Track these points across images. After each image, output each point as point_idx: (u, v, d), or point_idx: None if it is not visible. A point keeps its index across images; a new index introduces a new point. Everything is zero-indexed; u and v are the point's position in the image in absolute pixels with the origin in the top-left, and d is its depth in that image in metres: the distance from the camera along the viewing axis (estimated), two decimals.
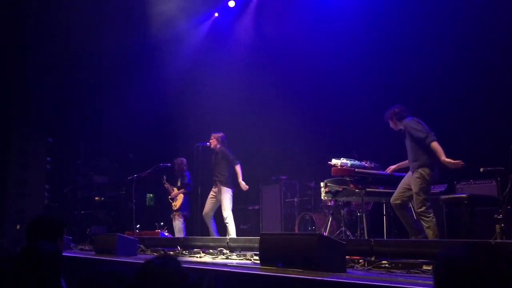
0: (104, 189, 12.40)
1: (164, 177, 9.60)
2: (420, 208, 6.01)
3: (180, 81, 11.65)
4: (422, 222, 6.02)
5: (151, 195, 12.46)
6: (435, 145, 6.10)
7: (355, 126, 9.20)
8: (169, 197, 9.70)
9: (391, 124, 6.54)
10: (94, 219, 11.86)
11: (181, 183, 9.64)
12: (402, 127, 6.48)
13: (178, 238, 7.98)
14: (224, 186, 8.40)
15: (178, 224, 9.43)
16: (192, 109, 11.43)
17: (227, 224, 8.24)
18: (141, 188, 10.81)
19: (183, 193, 9.55)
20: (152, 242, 7.93)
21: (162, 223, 10.50)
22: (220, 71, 11.06)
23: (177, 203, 9.55)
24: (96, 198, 12.17)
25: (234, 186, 8.47)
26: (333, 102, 9.76)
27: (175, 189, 9.74)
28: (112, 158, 12.61)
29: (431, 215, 5.99)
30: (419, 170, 6.13)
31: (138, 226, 10.22)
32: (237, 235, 8.45)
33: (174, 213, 9.55)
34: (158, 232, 9.78)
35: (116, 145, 12.48)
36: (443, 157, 6.02)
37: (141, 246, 7.37)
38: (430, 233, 5.88)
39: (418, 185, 6.09)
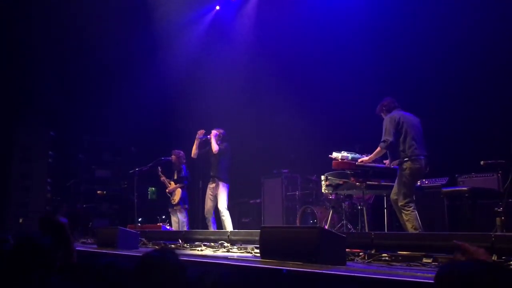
0: (107, 183, 12.41)
1: (159, 168, 9.39)
2: (401, 201, 6.09)
3: (182, 74, 11.59)
4: (403, 215, 6.11)
5: (153, 188, 12.34)
6: (377, 150, 6.34)
7: (356, 119, 9.08)
8: (167, 191, 9.48)
9: (383, 117, 6.55)
10: (96, 213, 11.91)
11: (177, 176, 9.44)
12: None
13: (180, 232, 7.99)
14: (220, 181, 8.32)
15: (180, 218, 9.26)
16: (194, 103, 11.38)
17: (223, 218, 8.18)
18: (143, 182, 10.58)
19: (181, 187, 9.31)
20: (153, 236, 7.93)
21: (163, 217, 10.51)
22: (222, 65, 11.00)
23: (175, 198, 9.32)
24: (99, 191, 12.18)
25: (231, 182, 8.46)
26: (334, 95, 9.66)
27: (172, 183, 9.50)
28: (115, 151, 12.58)
29: (411, 208, 6.05)
30: (400, 165, 6.25)
31: (140, 219, 10.25)
32: (238, 229, 8.50)
33: (174, 208, 9.35)
34: (160, 225, 9.85)
35: (118, 139, 12.47)
36: (366, 159, 6.39)
37: (143, 239, 7.37)
38: (409, 226, 5.95)
39: (399, 179, 6.20)
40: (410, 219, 5.96)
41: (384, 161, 6.79)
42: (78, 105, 11.43)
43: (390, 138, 6.16)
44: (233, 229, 8.05)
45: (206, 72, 11.35)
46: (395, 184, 6.26)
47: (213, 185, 8.40)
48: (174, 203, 9.29)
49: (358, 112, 8.94)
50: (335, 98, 9.58)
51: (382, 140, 6.25)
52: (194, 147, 8.45)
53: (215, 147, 8.20)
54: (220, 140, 8.47)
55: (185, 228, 8.94)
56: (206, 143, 8.58)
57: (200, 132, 8.48)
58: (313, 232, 4.31)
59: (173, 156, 9.35)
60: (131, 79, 11.47)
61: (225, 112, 10.63)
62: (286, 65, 10.43)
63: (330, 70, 9.57)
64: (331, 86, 9.68)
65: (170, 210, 9.48)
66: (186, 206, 9.24)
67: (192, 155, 8.55)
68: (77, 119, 11.72)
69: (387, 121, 6.30)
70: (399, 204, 6.08)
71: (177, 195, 9.28)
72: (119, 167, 12.29)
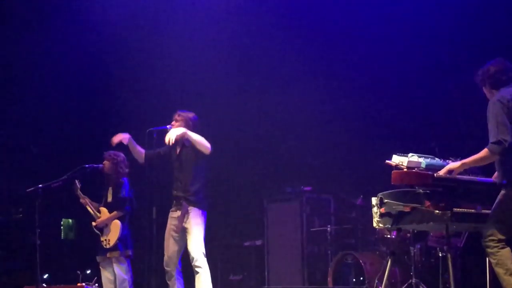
0: None
1: (77, 182, 7.89)
2: (484, 236, 5.35)
3: (124, 27, 9.75)
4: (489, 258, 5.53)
5: (70, 221, 10.75)
6: (483, 153, 5.23)
7: (433, 101, 8.21)
8: (94, 224, 7.94)
9: (485, 92, 5.51)
10: None
11: (113, 198, 7.88)
12: None
13: None
14: (193, 205, 6.78)
15: (117, 273, 7.62)
16: (143, 74, 9.91)
17: (197, 271, 6.63)
18: (52, 209, 9.28)
19: (119, 218, 7.74)
20: None
21: (88, 271, 8.82)
22: (194, 13, 9.55)
23: (110, 237, 7.74)
24: None
25: (209, 206, 7.01)
26: (391, 61, 8.45)
27: (103, 209, 7.89)
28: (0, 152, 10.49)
29: (498, 246, 5.19)
30: (502, 188, 5.29)
31: (46, 276, 9.11)
32: None
33: (106, 255, 7.75)
34: (82, 287, 8.00)
35: (5, 131, 10.27)
36: (456, 166, 5.36)
37: None
38: (500, 272, 5.03)
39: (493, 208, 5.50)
40: (500, 260, 5.18)
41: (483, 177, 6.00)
42: None
43: (509, 137, 5.17)
44: None
45: (166, 23, 9.78)
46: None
47: (178, 213, 6.92)
48: (107, 246, 7.76)
49: (434, 87, 8.17)
50: (394, 64, 8.51)
51: (493, 140, 5.17)
52: (132, 146, 7.18)
53: (205, 144, 6.74)
54: (191, 131, 6.88)
55: None
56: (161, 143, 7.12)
57: (120, 138, 7.16)
58: None
59: (105, 163, 7.88)
60: (36, 32, 9.78)
61: (198, 92, 9.45)
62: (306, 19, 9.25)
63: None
64: (385, 43, 8.60)
65: (99, 259, 7.82)
66: (129, 252, 7.77)
67: (138, 158, 7.22)
68: None
69: (495, 107, 5.24)
70: (483, 240, 5.35)
71: (113, 232, 7.76)
72: (7, 182, 10.38)
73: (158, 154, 7.09)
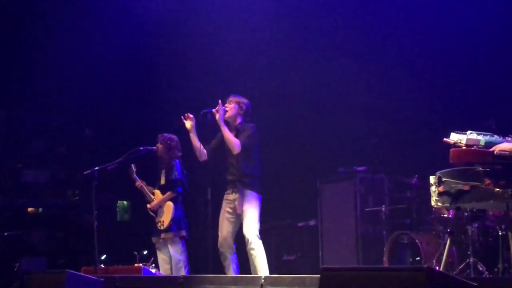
0: (42, 193, 10.58)
1: (132, 166, 8.04)
2: None
3: (173, 12, 9.95)
4: None
5: (125, 203, 10.98)
6: None
7: (488, 78, 8.04)
8: (148, 207, 8.00)
9: None
10: (25, 246, 10.09)
11: (166, 180, 7.99)
12: None
13: (175, 278, 6.79)
14: (247, 188, 6.84)
15: (172, 254, 7.76)
16: (194, 57, 9.92)
17: (251, 252, 6.73)
18: (108, 191, 9.59)
19: (171, 199, 7.85)
20: (128, 285, 6.94)
21: (145, 252, 8.95)
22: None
23: (164, 219, 7.82)
24: (29, 209, 10.40)
25: (263, 190, 7.04)
26: (449, 38, 8.34)
27: (157, 192, 8.00)
28: (56, 137, 10.79)
29: None
30: None
31: (103, 257, 9.10)
32: (279, 272, 7.72)
33: (160, 237, 7.87)
34: (140, 267, 7.92)
35: (62, 115, 10.72)
36: None
37: None
38: None
39: None
40: None
41: None
42: None
43: None
44: (270, 272, 6.95)
45: (208, 13, 9.87)
46: None
47: (233, 196, 6.98)
48: (161, 228, 7.84)
49: (492, 63, 7.95)
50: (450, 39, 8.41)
51: None
52: (194, 142, 7.11)
53: (233, 143, 6.89)
54: (241, 116, 6.97)
55: (182, 272, 7.69)
56: (209, 129, 7.21)
57: (188, 120, 7.10)
58: (416, 278, 3.50)
59: (159, 146, 7.93)
60: (86, 17, 9.95)
61: (247, 73, 9.44)
62: None
63: None
64: (444, 20, 8.41)
65: (154, 240, 7.98)
66: (183, 233, 7.85)
67: (199, 157, 7.22)
68: None
69: None
70: None
71: (167, 213, 7.86)
72: (64, 165, 10.71)
73: (215, 147, 7.15)
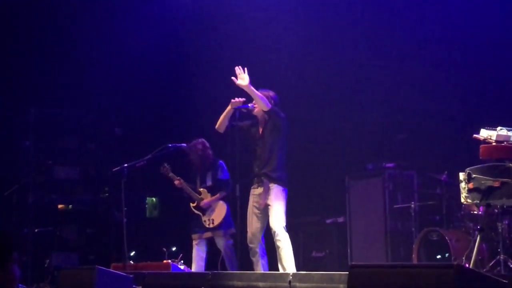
0: (73, 190, 10.68)
1: (166, 165, 8.12)
2: None
3: (203, 10, 10.05)
4: None
5: (154, 199, 11.01)
6: None
7: None
8: (192, 205, 8.02)
9: None
10: (56, 242, 10.17)
11: (213, 181, 8.10)
12: None
13: (204, 275, 6.98)
14: (274, 182, 6.93)
15: (226, 249, 7.99)
16: (225, 53, 9.83)
17: (279, 245, 6.78)
18: (137, 188, 9.52)
19: (223, 198, 7.98)
20: (158, 281, 7.17)
21: (174, 249, 9.07)
22: None
23: (215, 217, 7.94)
24: (60, 205, 10.54)
25: (290, 186, 7.14)
26: (480, 32, 8.21)
27: (204, 191, 8.05)
28: (87, 134, 10.83)
29: None
30: None
31: (132, 253, 9.27)
32: (307, 268, 7.87)
33: (204, 234, 8.01)
34: (168, 263, 8.17)
35: (92, 113, 10.77)
36: None
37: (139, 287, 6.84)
38: None
39: None
40: None
41: None
42: (21, 59, 9.97)
43: None
44: (298, 269, 7.14)
45: (237, 11, 9.86)
46: None
47: (259, 190, 7.11)
48: (210, 226, 8.03)
49: None
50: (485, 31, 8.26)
51: None
52: (226, 113, 7.22)
53: (263, 101, 6.90)
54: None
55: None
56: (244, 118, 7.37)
57: (236, 102, 7.08)
58: (445, 275, 3.56)
59: (193, 158, 8.23)
60: (116, 15, 10.12)
61: (276, 69, 9.36)
62: None
63: None
64: (477, 15, 8.27)
65: (196, 237, 8.15)
66: (233, 230, 8.07)
67: (217, 125, 7.35)
68: (21, 81, 10.02)
69: None
70: None
71: (218, 212, 8.05)
72: (94, 162, 10.78)
73: (242, 127, 7.22)
